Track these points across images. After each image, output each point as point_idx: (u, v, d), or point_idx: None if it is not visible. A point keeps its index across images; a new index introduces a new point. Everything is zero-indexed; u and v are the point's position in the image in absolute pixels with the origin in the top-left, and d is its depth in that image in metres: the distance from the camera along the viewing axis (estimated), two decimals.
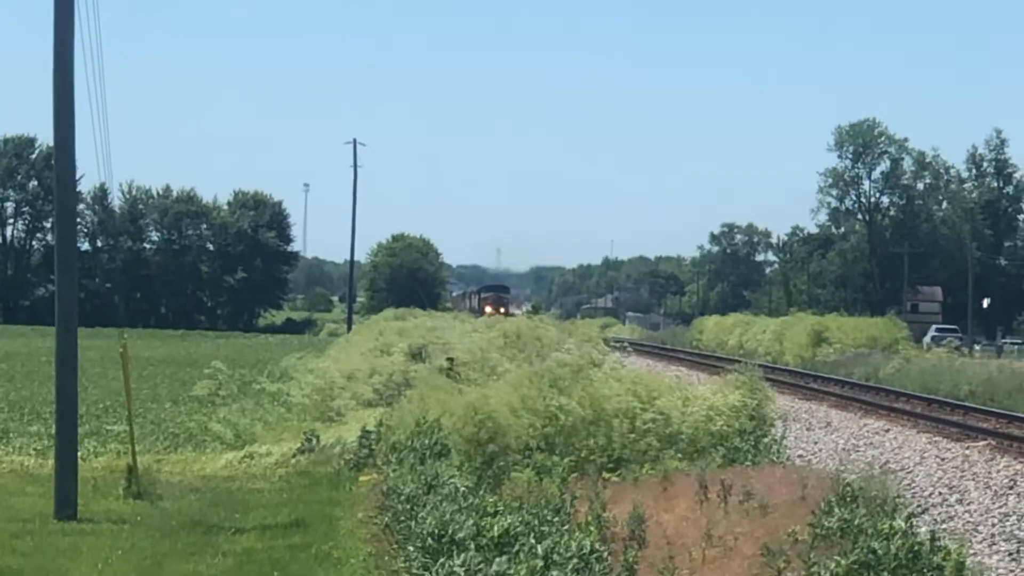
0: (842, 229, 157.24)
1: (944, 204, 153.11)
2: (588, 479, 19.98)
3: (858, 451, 29.82)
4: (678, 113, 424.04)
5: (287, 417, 35.52)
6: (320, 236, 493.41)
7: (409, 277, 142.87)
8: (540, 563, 13.38)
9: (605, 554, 14.11)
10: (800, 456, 29.00)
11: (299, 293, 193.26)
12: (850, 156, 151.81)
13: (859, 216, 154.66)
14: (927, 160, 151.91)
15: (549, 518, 15.37)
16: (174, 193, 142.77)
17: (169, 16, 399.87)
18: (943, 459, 27.51)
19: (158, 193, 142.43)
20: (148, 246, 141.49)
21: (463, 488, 17.53)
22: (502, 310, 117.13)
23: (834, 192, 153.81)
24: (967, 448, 28.82)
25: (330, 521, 20.52)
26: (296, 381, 42.34)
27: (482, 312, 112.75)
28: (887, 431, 33.20)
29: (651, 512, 16.83)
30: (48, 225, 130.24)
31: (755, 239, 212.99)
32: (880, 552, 12.84)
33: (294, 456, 28.15)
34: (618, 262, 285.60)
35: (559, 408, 23.19)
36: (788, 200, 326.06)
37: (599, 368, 32.57)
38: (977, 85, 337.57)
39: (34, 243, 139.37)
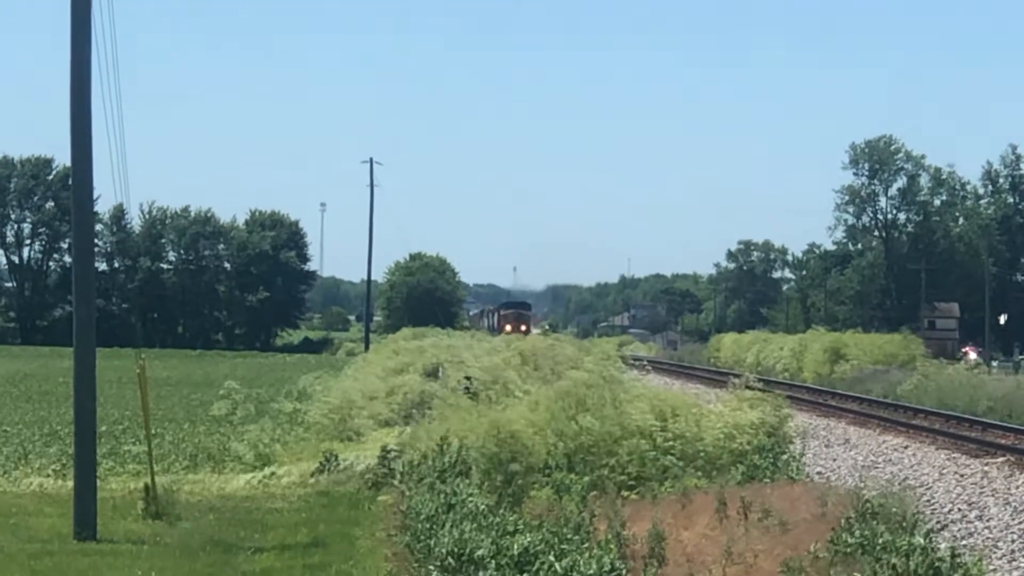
0: (859, 246, 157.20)
1: (960, 220, 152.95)
2: (607, 497, 19.96)
3: (877, 468, 29.70)
4: (694, 130, 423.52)
5: (305, 437, 35.55)
6: (337, 255, 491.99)
7: (426, 296, 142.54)
8: None
9: (624, 572, 14.10)
10: (819, 473, 28.91)
11: (316, 312, 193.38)
12: (866, 173, 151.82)
13: (876, 233, 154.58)
14: (943, 176, 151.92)
15: (569, 536, 15.36)
16: (192, 213, 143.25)
17: (186, 37, 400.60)
18: (962, 475, 27.39)
19: (176, 213, 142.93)
20: (166, 266, 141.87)
21: (483, 506, 17.53)
22: (523, 328, 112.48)
23: (851, 209, 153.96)
24: (986, 464, 28.70)
25: (349, 540, 20.53)
26: (315, 400, 42.36)
27: (501, 330, 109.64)
28: (905, 448, 33.07)
29: (670, 530, 16.80)
30: (65, 246, 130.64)
31: (772, 256, 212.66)
32: (900, 569, 12.82)
33: (313, 476, 28.17)
34: (635, 280, 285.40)
35: (583, 429, 23.13)
36: (805, 217, 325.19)
37: (623, 386, 32.34)
38: (992, 101, 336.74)
39: (51, 264, 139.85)
